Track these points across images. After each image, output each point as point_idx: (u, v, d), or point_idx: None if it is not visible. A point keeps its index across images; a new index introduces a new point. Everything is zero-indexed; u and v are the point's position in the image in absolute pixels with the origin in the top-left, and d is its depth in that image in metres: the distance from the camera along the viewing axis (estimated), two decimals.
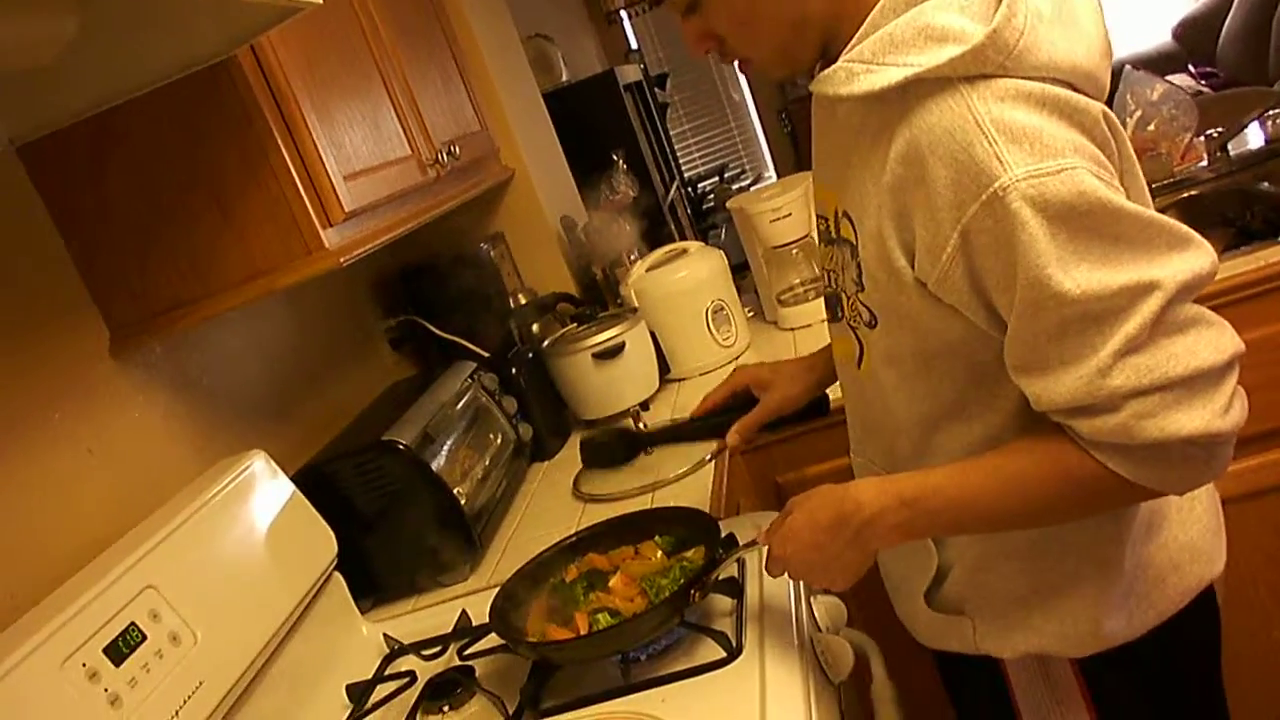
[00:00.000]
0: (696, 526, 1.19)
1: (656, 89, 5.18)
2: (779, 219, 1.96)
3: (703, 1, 0.92)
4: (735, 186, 5.71)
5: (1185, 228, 0.81)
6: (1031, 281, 0.79)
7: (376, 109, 1.48)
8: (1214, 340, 0.80)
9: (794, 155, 6.36)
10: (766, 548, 1.01)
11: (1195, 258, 0.80)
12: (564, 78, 3.28)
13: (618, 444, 1.50)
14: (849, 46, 0.87)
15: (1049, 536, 0.98)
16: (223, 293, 1.23)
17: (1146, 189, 0.93)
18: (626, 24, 6.15)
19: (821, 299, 1.97)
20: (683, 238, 3.48)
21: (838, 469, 1.59)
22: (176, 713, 1.00)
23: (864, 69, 0.84)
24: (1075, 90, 0.82)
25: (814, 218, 2.04)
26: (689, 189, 5.63)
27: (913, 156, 0.82)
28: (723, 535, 1.16)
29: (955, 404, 0.95)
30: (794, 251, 2.04)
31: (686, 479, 1.51)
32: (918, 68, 0.81)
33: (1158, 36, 5.44)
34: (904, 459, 1.03)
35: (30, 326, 1.17)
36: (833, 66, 0.87)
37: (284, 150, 1.20)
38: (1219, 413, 0.80)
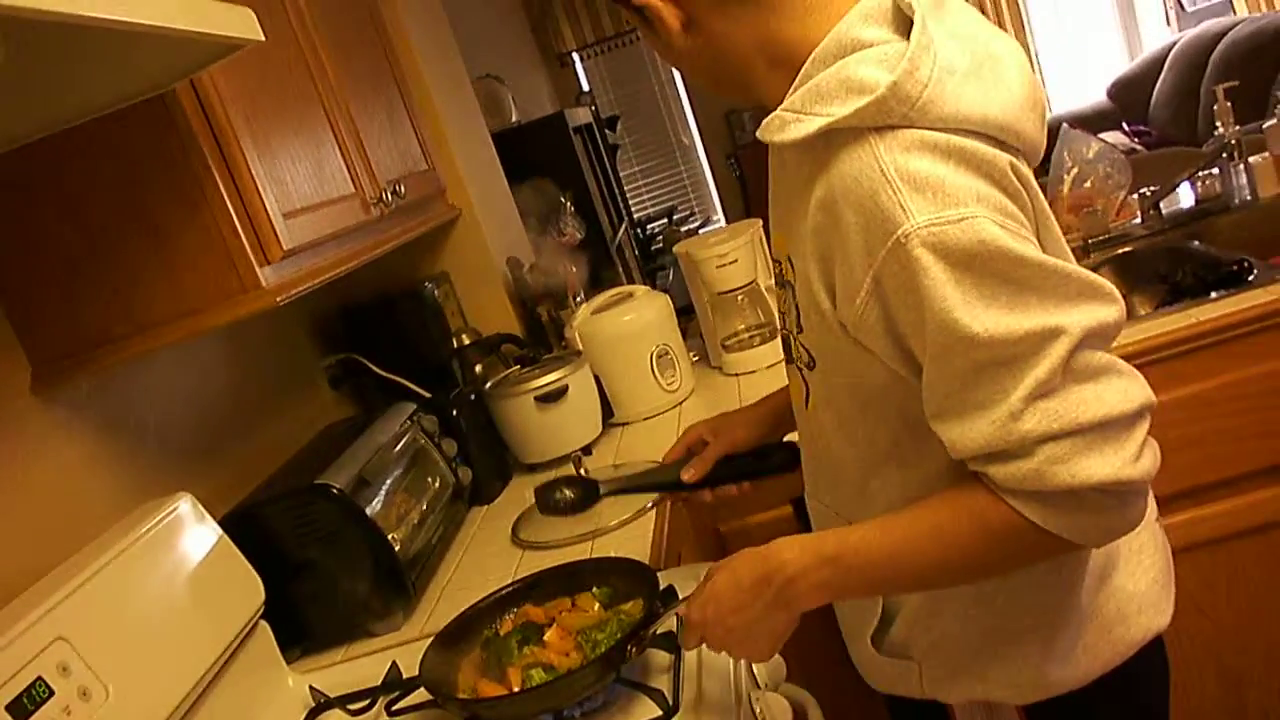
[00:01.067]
0: (635, 578, 1.17)
1: (607, 130, 5.22)
2: (725, 265, 1.97)
3: (673, 58, 0.95)
4: (684, 229, 5.75)
5: (1095, 277, 0.83)
6: (940, 326, 0.80)
7: (320, 146, 1.46)
8: (1124, 389, 0.81)
9: (743, 199, 6.42)
10: (684, 616, 0.99)
11: (1102, 306, 0.82)
12: (514, 118, 3.28)
13: (574, 492, 1.48)
14: (787, 95, 0.89)
15: (995, 584, 0.98)
16: (153, 329, 1.19)
17: (1063, 240, 0.94)
18: (578, 66, 6.20)
19: (765, 345, 2.01)
20: (630, 279, 3.49)
21: (779, 518, 1.59)
22: None
23: (794, 118, 0.87)
24: (993, 140, 0.84)
25: (769, 262, 2.06)
26: (638, 230, 5.66)
27: (829, 203, 0.84)
28: (662, 588, 1.15)
29: (890, 450, 0.96)
30: (739, 298, 2.05)
31: (627, 526, 1.49)
32: (832, 117, 0.83)
33: (1094, 95, 5.62)
34: (847, 502, 1.03)
35: None
36: (770, 114, 0.90)
37: (221, 186, 1.17)
38: (1129, 460, 0.80)
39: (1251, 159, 2.03)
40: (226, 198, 1.17)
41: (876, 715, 1.63)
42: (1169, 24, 5.71)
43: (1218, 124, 2.09)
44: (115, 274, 1.19)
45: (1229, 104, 2.09)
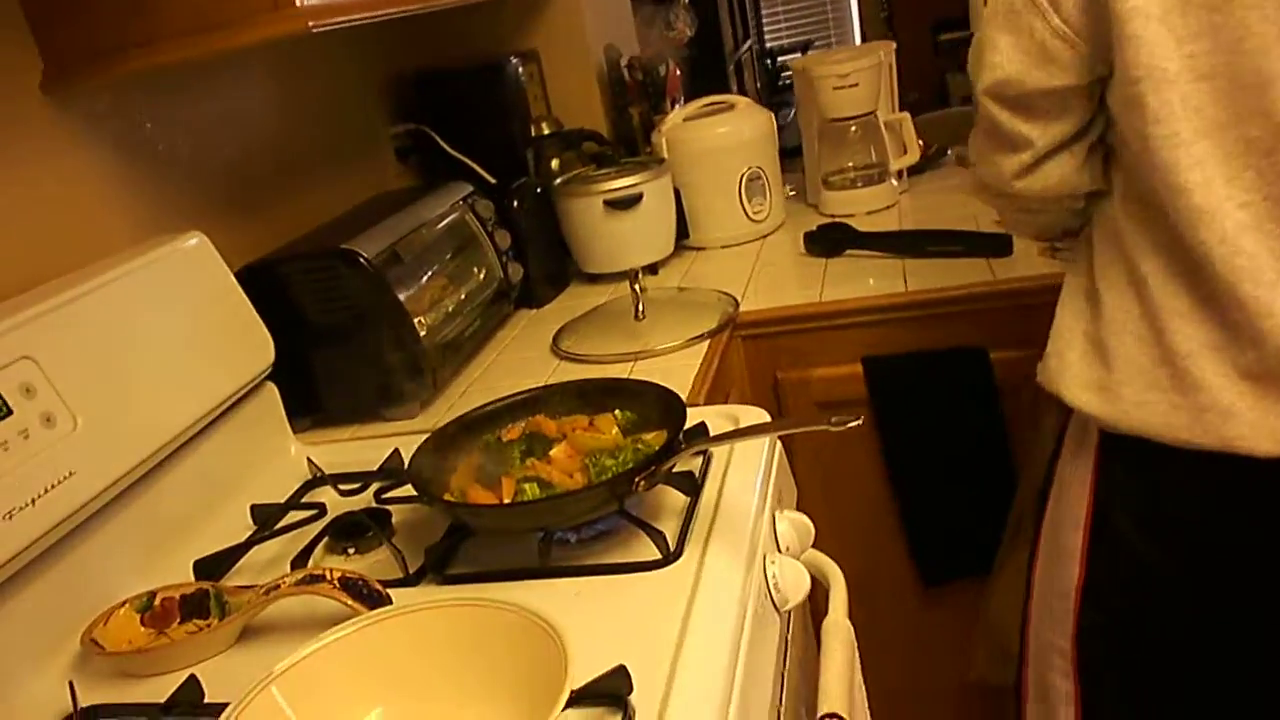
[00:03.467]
0: (663, 408, 1.02)
1: None
2: (844, 87, 1.74)
3: None
4: None
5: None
6: None
7: None
8: None
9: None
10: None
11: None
12: None
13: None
14: None
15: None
16: (166, 40, 1.05)
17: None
18: None
19: (868, 188, 1.80)
20: None
21: (845, 376, 1.43)
22: (32, 501, 0.88)
23: None
24: None
25: (894, 93, 1.83)
26: (768, 60, 5.30)
27: None
28: (691, 424, 1.01)
29: None
30: (853, 128, 1.82)
31: (676, 354, 1.35)
32: None
33: None
34: None
35: None
36: None
37: None
38: None
39: None
40: None
41: (907, 602, 1.52)
42: None
43: None
44: None
45: None
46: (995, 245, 1.44)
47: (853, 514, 1.47)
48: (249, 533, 1.08)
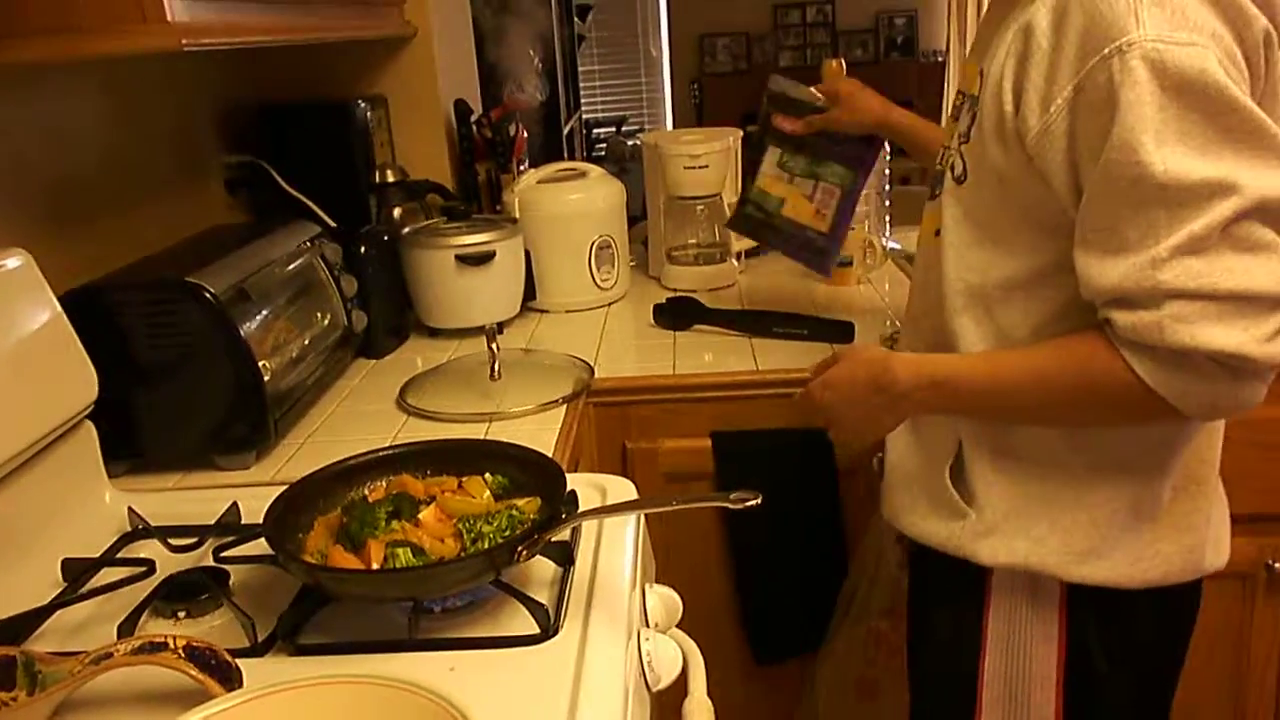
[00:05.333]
0: (538, 474, 1.00)
1: (578, 18, 4.93)
2: (694, 168, 1.79)
3: None
4: (630, 143, 5.54)
5: None
6: (1122, 144, 0.79)
7: None
8: (1276, 270, 0.79)
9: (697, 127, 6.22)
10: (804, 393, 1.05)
11: None
12: None
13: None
14: None
15: (1090, 441, 0.96)
16: (21, 38, 0.95)
17: None
18: None
19: (709, 267, 1.85)
20: None
21: (693, 449, 1.45)
22: None
23: None
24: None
25: (738, 178, 1.90)
26: (584, 130, 5.41)
27: (1060, 3, 0.84)
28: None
29: (1007, 280, 0.96)
30: (699, 208, 1.87)
31: (531, 417, 1.32)
32: None
33: None
34: (936, 332, 1.03)
35: None
36: None
37: None
38: (1259, 339, 0.79)
39: None
40: None
41: (741, 680, 1.53)
42: None
43: None
44: None
45: None
46: (839, 331, 1.51)
47: (692, 589, 1.47)
48: (57, 590, 0.96)
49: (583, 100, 5.44)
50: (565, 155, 3.05)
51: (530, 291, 1.74)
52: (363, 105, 1.77)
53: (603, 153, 5.34)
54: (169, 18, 0.95)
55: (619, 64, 6.34)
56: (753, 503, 0.82)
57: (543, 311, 1.80)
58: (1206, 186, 0.77)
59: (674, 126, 6.42)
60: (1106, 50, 0.79)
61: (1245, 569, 1.47)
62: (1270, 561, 1.47)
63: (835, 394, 1.03)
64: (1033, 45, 0.86)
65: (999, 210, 0.94)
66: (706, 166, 1.80)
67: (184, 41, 0.97)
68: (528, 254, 1.72)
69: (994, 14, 1.00)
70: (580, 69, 5.36)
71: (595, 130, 5.67)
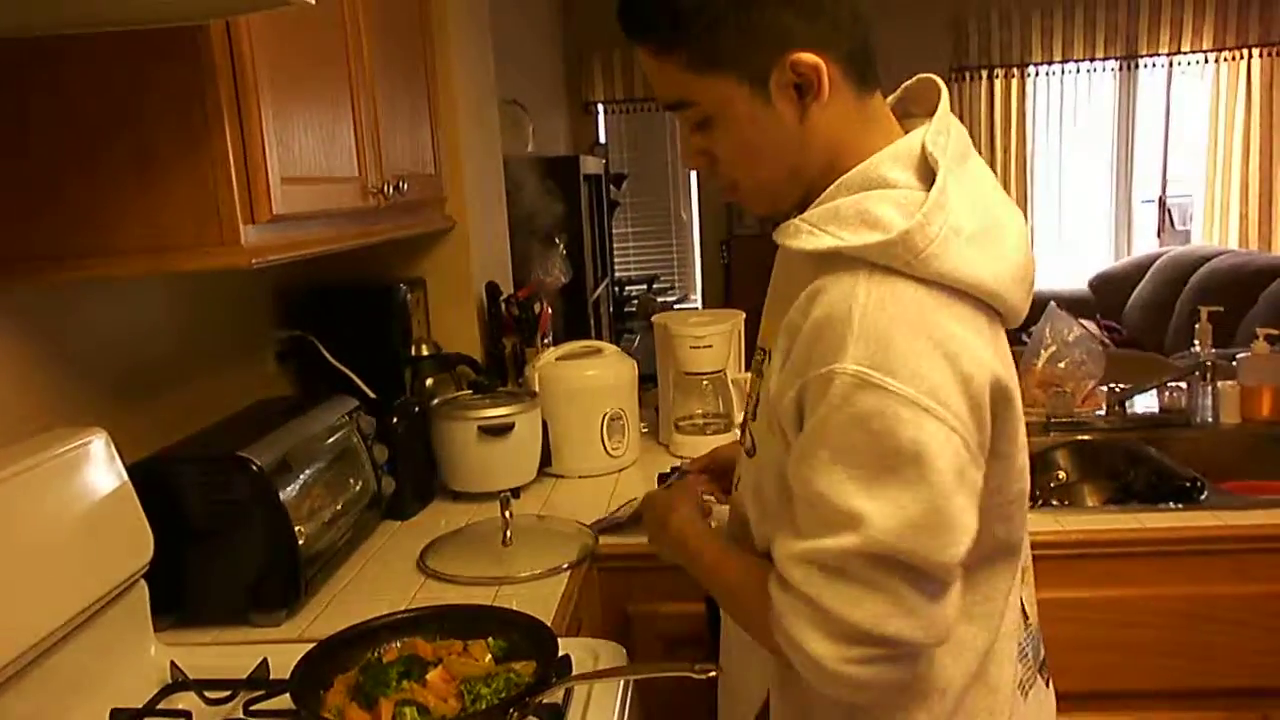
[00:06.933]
0: (534, 639, 1.12)
1: (613, 185, 5.25)
2: (699, 347, 1.95)
3: (714, 121, 0.96)
4: (661, 300, 5.78)
5: (958, 524, 0.85)
6: (803, 449, 0.88)
7: (336, 122, 1.43)
8: (882, 614, 0.85)
9: (724, 287, 6.46)
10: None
11: (935, 541, 0.84)
12: (529, 148, 3.28)
13: None
14: (809, 207, 0.95)
15: (866, 708, 0.99)
16: (117, 256, 1.14)
17: (1015, 472, 0.97)
18: (600, 116, 6.25)
19: (715, 435, 1.98)
20: (599, 334, 3.47)
21: (691, 613, 1.55)
22: None
23: (808, 230, 0.93)
24: (977, 300, 0.89)
25: (741, 356, 2.05)
26: (616, 288, 5.67)
27: (806, 307, 0.91)
28: (559, 655, 1.11)
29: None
30: (704, 383, 2.03)
31: (538, 581, 1.44)
32: (841, 242, 0.89)
33: (1077, 283, 5.76)
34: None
35: None
36: (788, 220, 0.96)
37: (228, 132, 1.13)
38: (837, 659, 0.86)
39: (1220, 384, 2.07)
40: (230, 145, 1.13)
41: None
42: (1159, 236, 5.92)
43: (1195, 342, 2.13)
44: (93, 189, 1.13)
45: (1210, 326, 2.14)
46: None
47: None
48: None
49: (616, 259, 5.73)
50: (591, 322, 3.24)
51: (546, 458, 1.89)
52: (403, 288, 1.97)
53: (633, 309, 5.57)
54: (242, 242, 1.14)
55: (651, 226, 6.65)
56: (714, 673, 0.93)
57: (558, 476, 1.94)
58: (841, 513, 0.84)
59: (702, 282, 6.67)
60: (824, 369, 0.85)
61: None
62: None
63: (647, 508, 1.23)
64: (792, 342, 0.91)
65: (778, 487, 0.96)
66: (711, 346, 1.96)
67: (253, 261, 1.15)
68: (545, 424, 1.87)
69: (781, 284, 1.04)
70: (615, 230, 5.67)
71: (627, 288, 5.93)
